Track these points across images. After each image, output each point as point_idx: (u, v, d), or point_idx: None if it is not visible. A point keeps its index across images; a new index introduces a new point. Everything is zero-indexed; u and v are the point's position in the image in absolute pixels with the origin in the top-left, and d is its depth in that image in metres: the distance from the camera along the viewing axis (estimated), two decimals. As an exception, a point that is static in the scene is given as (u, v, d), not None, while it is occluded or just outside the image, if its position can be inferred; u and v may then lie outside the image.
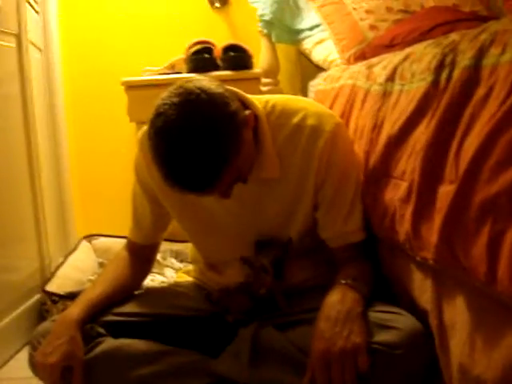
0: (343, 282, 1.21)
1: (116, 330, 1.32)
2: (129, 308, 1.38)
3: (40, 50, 2.32)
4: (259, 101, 1.32)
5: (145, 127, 1.33)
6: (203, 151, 1.08)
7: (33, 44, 2.12)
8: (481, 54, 0.93)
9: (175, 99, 1.09)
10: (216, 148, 1.09)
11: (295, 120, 1.29)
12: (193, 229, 1.45)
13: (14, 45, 1.87)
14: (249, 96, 1.29)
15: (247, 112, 1.20)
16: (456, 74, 0.99)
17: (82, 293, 1.40)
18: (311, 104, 1.39)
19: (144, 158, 1.36)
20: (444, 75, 1.04)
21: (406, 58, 1.31)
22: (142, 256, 1.51)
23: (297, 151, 1.28)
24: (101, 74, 2.75)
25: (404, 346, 1.09)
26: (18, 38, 1.91)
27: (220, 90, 1.14)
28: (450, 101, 0.99)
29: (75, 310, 1.30)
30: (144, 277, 1.53)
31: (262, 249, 1.35)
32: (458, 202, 0.87)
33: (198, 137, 1.08)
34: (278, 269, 1.35)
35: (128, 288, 1.44)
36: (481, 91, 0.90)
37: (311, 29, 2.51)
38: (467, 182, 0.85)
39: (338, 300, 1.17)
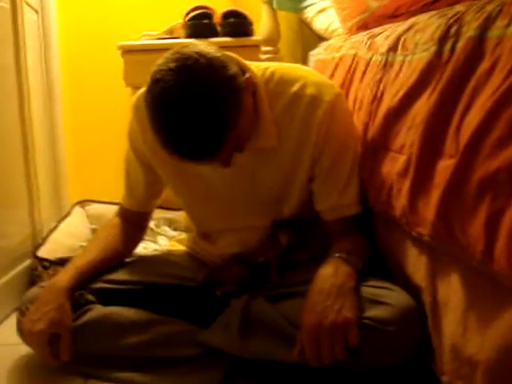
0: (337, 255, 1.20)
1: (106, 298, 1.31)
2: (119, 275, 1.37)
3: (36, 11, 2.26)
4: (257, 68, 1.29)
5: (139, 93, 1.32)
6: (204, 117, 1.05)
7: (28, 4, 2.06)
8: (486, 24, 0.90)
9: (172, 64, 1.06)
10: (217, 114, 1.06)
11: (294, 88, 1.26)
12: (187, 196, 1.43)
13: (7, 5, 1.80)
14: (247, 62, 1.26)
15: (246, 75, 1.16)
16: (460, 45, 0.96)
17: (72, 259, 1.39)
18: (311, 73, 1.36)
19: (138, 124, 1.33)
20: (448, 46, 1.00)
21: (409, 28, 1.27)
22: (134, 223, 1.49)
23: (294, 121, 1.26)
24: (97, 38, 2.69)
25: (396, 322, 1.08)
26: (13, -3, 1.85)
27: (218, 54, 1.11)
28: (452, 73, 0.96)
29: (64, 276, 1.29)
30: (136, 244, 1.52)
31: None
32: (456, 177, 0.84)
33: (198, 103, 1.05)
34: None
35: (119, 255, 1.43)
36: (485, 64, 0.87)
37: (313, -3, 2.46)
38: (467, 157, 0.82)
39: (330, 273, 1.16)
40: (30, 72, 1.97)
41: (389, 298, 1.12)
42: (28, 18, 2.02)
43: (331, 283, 1.13)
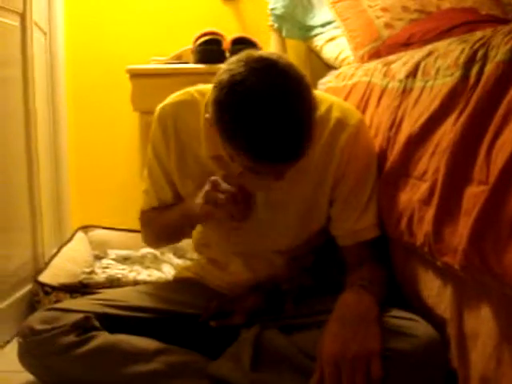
0: (358, 283, 1.17)
1: (111, 324, 1.26)
2: (126, 301, 1.33)
3: (44, 33, 2.25)
4: None
5: (163, 104, 1.33)
6: (297, 116, 1.02)
7: (37, 25, 2.05)
8: (517, 47, 0.87)
9: (254, 65, 1.02)
10: (308, 113, 1.04)
11: (320, 111, 1.24)
12: None
13: (17, 23, 1.79)
14: None
15: None
16: (488, 68, 0.93)
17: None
18: (334, 97, 1.34)
19: (162, 134, 1.32)
20: (474, 70, 0.98)
21: (429, 54, 1.25)
22: None
23: (319, 143, 1.23)
24: (105, 62, 2.68)
25: (419, 354, 1.04)
26: (23, 17, 1.82)
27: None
28: (481, 97, 0.93)
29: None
30: None
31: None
32: (491, 203, 0.81)
33: (290, 101, 1.02)
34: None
35: None
36: (517, 87, 0.84)
37: (323, 26, 2.45)
38: (502, 182, 0.79)
39: (353, 302, 1.12)
40: (36, 94, 1.95)
41: (412, 330, 1.08)
42: (36, 38, 2.00)
43: (353, 312, 1.10)
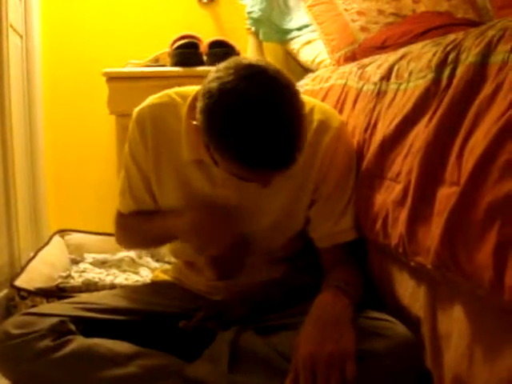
0: (335, 285, 1.17)
1: (87, 328, 1.25)
2: (102, 304, 1.32)
3: (20, 36, 2.23)
4: None
5: (140, 107, 1.31)
6: (288, 123, 1.01)
7: (13, 28, 2.03)
8: (488, 50, 0.88)
9: (242, 72, 1.01)
10: (298, 119, 1.03)
11: None
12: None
13: (-9, 27, 1.78)
14: None
15: None
16: (460, 71, 0.95)
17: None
18: (316, 100, 1.35)
19: (140, 135, 1.30)
20: (446, 72, 0.99)
21: (402, 57, 1.27)
22: None
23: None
24: (82, 65, 2.67)
25: (394, 355, 1.05)
26: (-3, 19, 1.82)
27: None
28: (452, 99, 0.94)
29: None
30: None
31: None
32: (461, 204, 0.82)
33: (282, 109, 1.01)
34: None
35: None
36: (487, 89, 0.86)
37: (300, 29, 2.47)
38: (473, 183, 0.80)
39: (328, 303, 1.13)
40: (12, 98, 1.93)
41: (386, 330, 1.08)
42: (12, 41, 1.98)
43: (329, 313, 1.10)
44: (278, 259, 1.37)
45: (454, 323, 0.89)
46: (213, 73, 1.05)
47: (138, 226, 1.40)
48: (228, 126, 1.01)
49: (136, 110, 1.33)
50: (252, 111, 0.99)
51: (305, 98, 1.31)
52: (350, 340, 1.04)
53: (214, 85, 1.01)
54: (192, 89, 1.27)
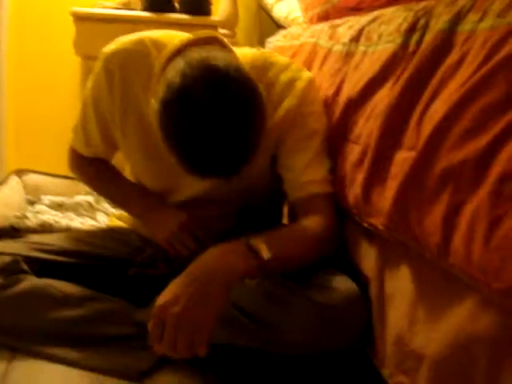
0: (249, 241, 1.05)
1: (41, 268, 1.25)
2: (54, 245, 1.31)
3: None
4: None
5: (115, 48, 1.25)
6: (243, 132, 0.96)
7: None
8: (457, 19, 0.89)
9: (205, 76, 0.95)
10: (255, 128, 0.98)
11: (269, 74, 1.25)
12: (140, 164, 1.36)
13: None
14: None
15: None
16: (428, 37, 0.95)
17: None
18: (286, 58, 1.33)
19: (107, 83, 1.25)
20: (415, 38, 0.99)
21: (373, 20, 1.26)
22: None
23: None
24: (48, 2, 2.58)
25: (339, 307, 1.05)
26: None
27: (241, 67, 1.01)
28: (418, 64, 0.94)
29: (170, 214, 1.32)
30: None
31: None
32: (417, 168, 0.83)
33: (236, 116, 0.95)
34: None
35: None
36: (453, 57, 0.86)
37: (275, -17, 2.43)
38: (430, 148, 0.81)
39: (216, 255, 1.02)
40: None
41: (330, 282, 1.09)
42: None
43: (209, 270, 0.99)
44: (232, 213, 1.38)
45: (400, 284, 0.92)
46: (182, 63, 0.99)
47: (95, 176, 1.42)
48: (178, 132, 0.97)
49: (105, 50, 1.26)
50: (203, 119, 0.94)
51: (276, 56, 1.30)
52: (211, 310, 0.95)
53: (177, 80, 0.96)
54: (167, 37, 1.22)
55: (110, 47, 1.26)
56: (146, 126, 1.25)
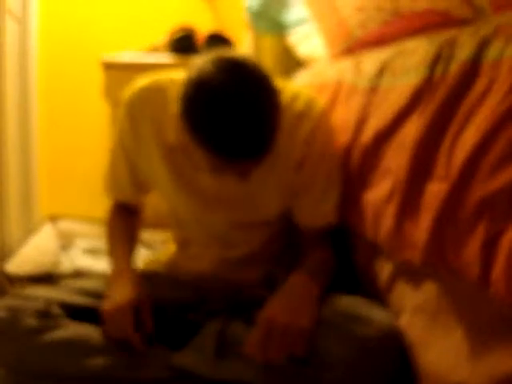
0: (307, 270, 1.23)
1: (74, 313, 1.25)
2: (90, 289, 1.32)
3: (18, 20, 2.21)
4: None
5: (132, 90, 1.30)
6: (262, 114, 1.02)
7: (10, 12, 2.02)
8: (482, 47, 0.89)
9: (220, 64, 1.02)
10: (273, 112, 1.05)
11: (285, 101, 1.25)
12: (174, 199, 1.39)
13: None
14: None
15: None
16: (453, 67, 0.95)
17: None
18: (302, 89, 1.35)
19: (130, 122, 1.30)
20: (440, 69, 0.99)
21: (396, 53, 1.27)
22: (127, 209, 1.48)
23: (281, 134, 1.21)
24: (78, 51, 2.65)
25: (375, 338, 1.04)
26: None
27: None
28: (444, 95, 0.94)
29: (126, 290, 1.26)
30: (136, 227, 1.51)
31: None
32: (451, 199, 0.82)
33: (256, 99, 1.02)
34: None
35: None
36: (480, 85, 0.86)
37: (298, 23, 2.46)
38: (462, 178, 0.80)
39: (297, 284, 1.19)
40: (7, 82, 1.92)
41: (368, 314, 1.08)
42: (9, 25, 1.97)
43: (296, 292, 1.16)
44: (262, 259, 1.40)
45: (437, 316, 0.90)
46: (195, 64, 1.06)
47: (111, 225, 1.47)
48: (199, 111, 1.02)
49: (125, 94, 1.32)
50: (225, 103, 1.00)
51: (290, 86, 1.32)
52: (308, 321, 1.09)
53: (193, 74, 1.04)
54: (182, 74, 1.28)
55: (129, 90, 1.31)
56: (174, 157, 1.28)
